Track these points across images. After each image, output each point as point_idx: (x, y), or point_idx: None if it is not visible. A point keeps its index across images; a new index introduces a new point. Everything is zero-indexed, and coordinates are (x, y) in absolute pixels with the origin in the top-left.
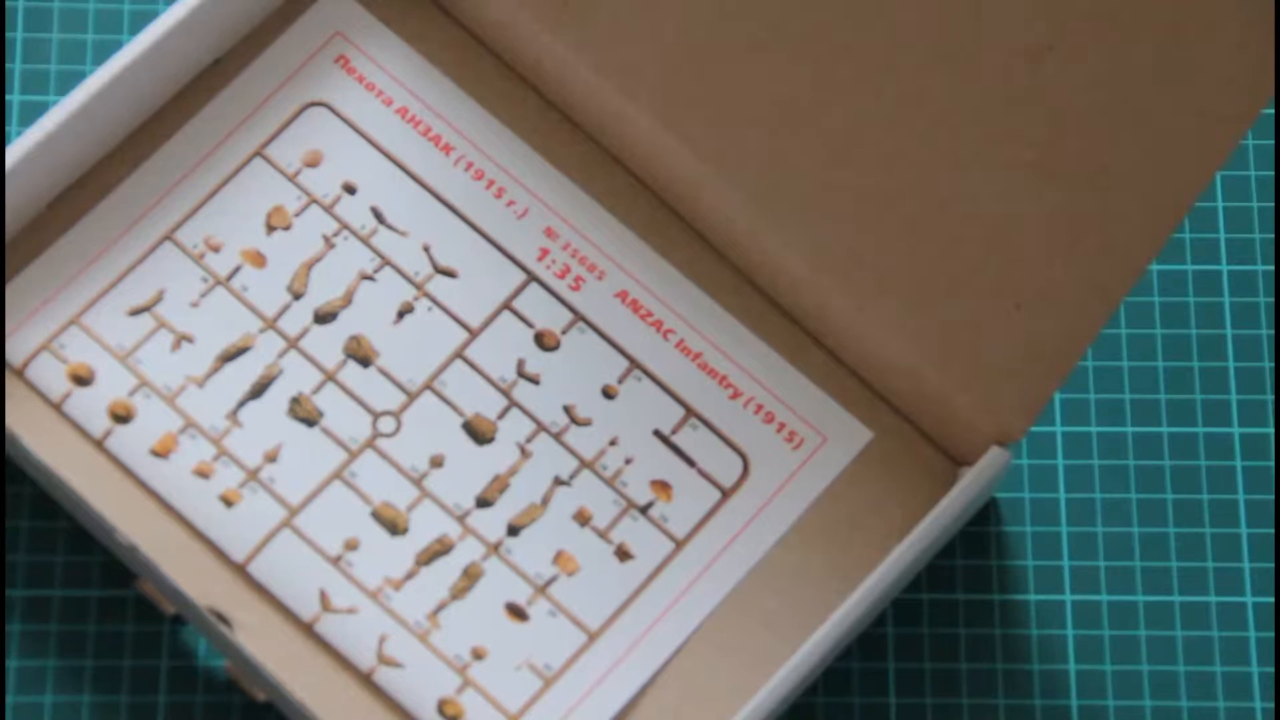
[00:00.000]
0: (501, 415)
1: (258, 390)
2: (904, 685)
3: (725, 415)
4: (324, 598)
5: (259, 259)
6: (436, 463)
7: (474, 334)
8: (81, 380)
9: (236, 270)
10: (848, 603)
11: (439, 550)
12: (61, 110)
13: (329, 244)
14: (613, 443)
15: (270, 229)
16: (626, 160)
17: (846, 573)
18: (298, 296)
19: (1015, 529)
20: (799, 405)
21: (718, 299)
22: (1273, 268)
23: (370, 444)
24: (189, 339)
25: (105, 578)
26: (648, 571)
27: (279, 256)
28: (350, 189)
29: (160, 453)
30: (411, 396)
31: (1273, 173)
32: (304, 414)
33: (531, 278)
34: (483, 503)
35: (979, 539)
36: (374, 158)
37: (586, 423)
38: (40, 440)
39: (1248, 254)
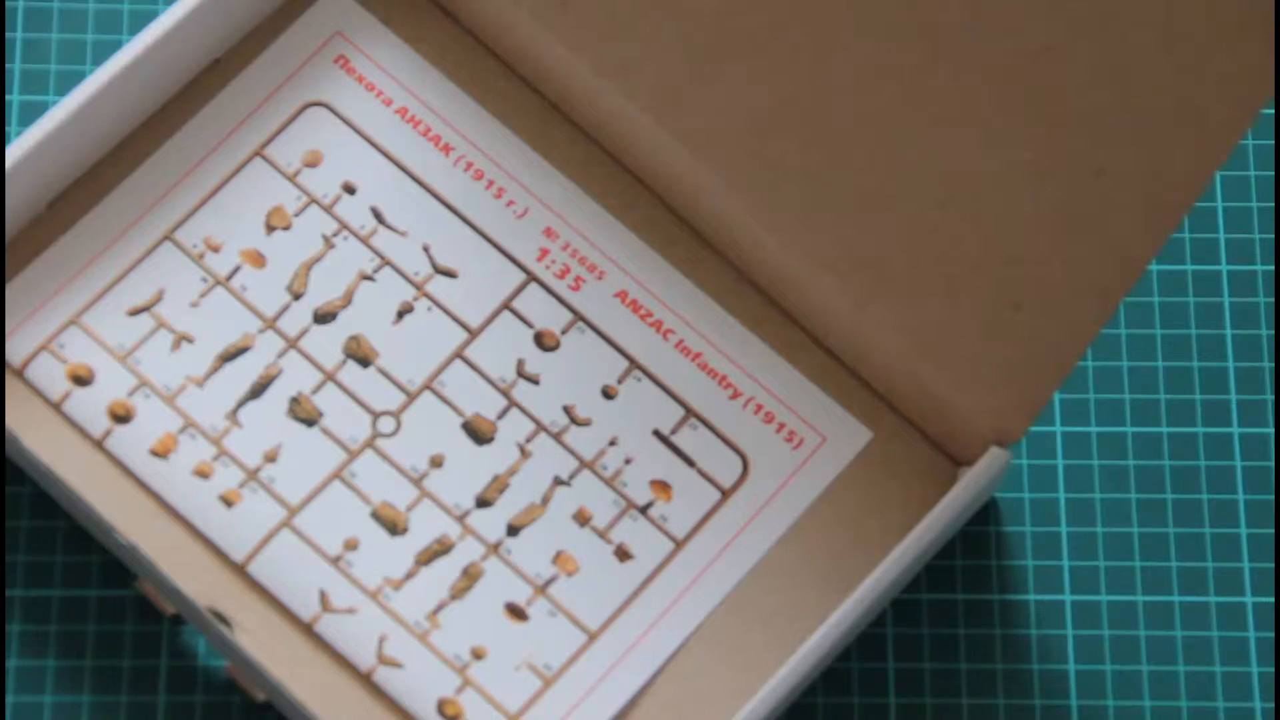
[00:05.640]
0: (501, 415)
1: (257, 390)
2: (904, 685)
3: (725, 415)
4: (324, 598)
5: (259, 259)
6: (436, 463)
7: (474, 334)
8: (81, 380)
9: (236, 270)
10: (847, 603)
11: (439, 550)
12: (61, 110)
13: (329, 244)
14: (612, 443)
15: (270, 229)
16: (626, 160)
17: (846, 573)
18: (297, 296)
19: (1015, 529)
20: (799, 405)
21: (717, 299)
22: (1273, 268)
23: (370, 444)
24: (189, 339)
25: (105, 578)
26: (647, 571)
27: (279, 256)
28: (350, 189)
29: (160, 453)
30: (411, 396)
31: (1273, 173)
32: (304, 414)
33: (531, 278)
34: (482, 503)
35: (979, 539)
36: (374, 158)
37: (586, 423)
38: (40, 440)
39: (1248, 254)
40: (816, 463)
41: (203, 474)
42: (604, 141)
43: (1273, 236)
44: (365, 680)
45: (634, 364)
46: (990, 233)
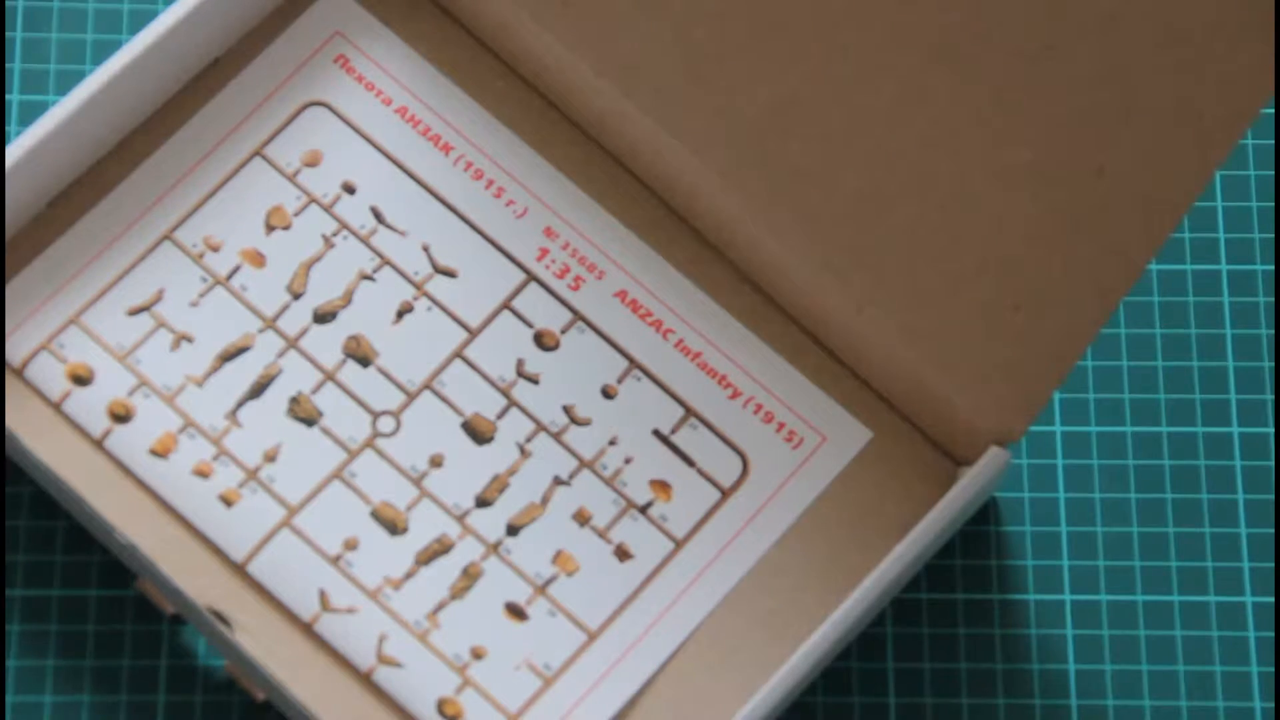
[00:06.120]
0: (501, 415)
1: (257, 390)
2: (904, 685)
3: (725, 415)
4: (323, 597)
5: (258, 259)
6: (436, 462)
7: (473, 334)
8: (81, 380)
9: (236, 270)
10: (847, 603)
11: (438, 550)
12: (61, 110)
13: (329, 244)
14: (612, 442)
15: (270, 229)
16: (626, 160)
17: (846, 573)
18: (297, 296)
19: (1015, 529)
20: (799, 405)
21: (717, 299)
22: (1272, 267)
23: (370, 444)
24: (188, 339)
25: (105, 577)
26: (647, 571)
27: (278, 256)
28: (350, 189)
29: (160, 452)
30: (411, 396)
31: (1273, 173)
32: (303, 414)
33: (531, 277)
34: (482, 502)
35: (979, 539)
36: (374, 158)
37: (586, 422)
38: (40, 440)
39: (1247, 254)
40: (816, 463)
41: (202, 474)
42: (604, 141)
43: (1273, 236)
44: (365, 680)
45: (634, 364)
46: (990, 233)
